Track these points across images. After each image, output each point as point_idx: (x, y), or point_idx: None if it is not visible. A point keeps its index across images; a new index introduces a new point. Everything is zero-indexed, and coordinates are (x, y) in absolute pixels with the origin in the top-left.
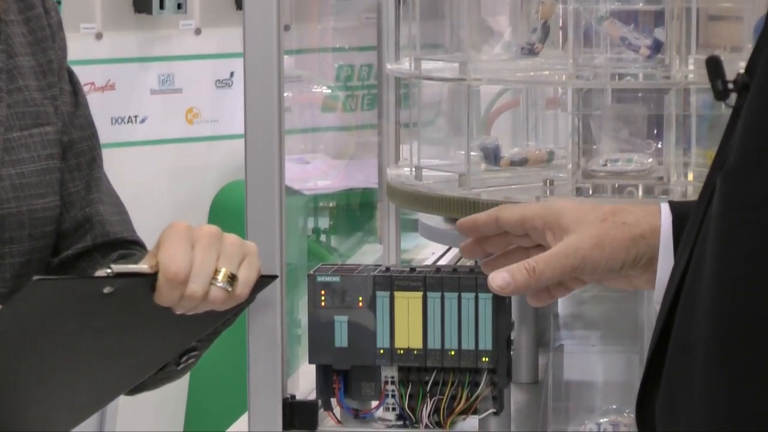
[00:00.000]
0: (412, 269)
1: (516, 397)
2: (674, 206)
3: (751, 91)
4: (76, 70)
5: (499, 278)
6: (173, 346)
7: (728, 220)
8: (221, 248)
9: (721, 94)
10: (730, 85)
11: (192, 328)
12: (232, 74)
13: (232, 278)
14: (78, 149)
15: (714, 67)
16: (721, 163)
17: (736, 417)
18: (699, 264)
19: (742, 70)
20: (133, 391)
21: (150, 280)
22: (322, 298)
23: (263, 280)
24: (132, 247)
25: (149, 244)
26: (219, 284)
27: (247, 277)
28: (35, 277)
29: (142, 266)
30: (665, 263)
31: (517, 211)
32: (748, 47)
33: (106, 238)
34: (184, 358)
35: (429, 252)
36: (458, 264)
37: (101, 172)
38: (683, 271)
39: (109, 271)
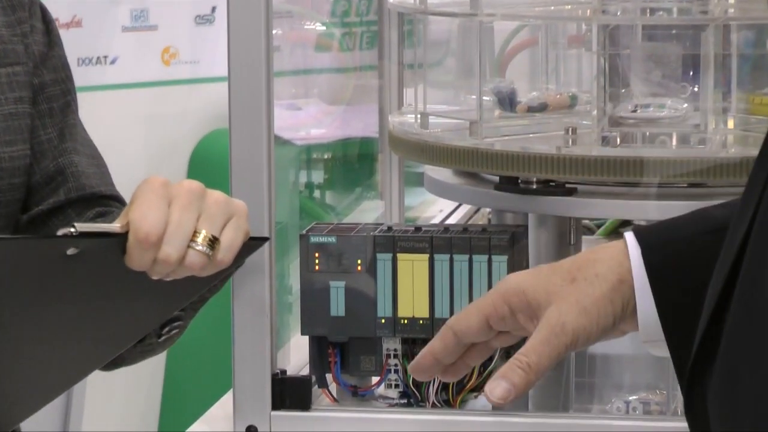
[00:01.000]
0: (418, 228)
1: None
2: (639, 234)
3: None
4: None
5: (499, 390)
6: (152, 316)
7: None
8: (203, 207)
9: None
10: None
11: (172, 296)
12: (213, 9)
13: (213, 241)
14: (50, 93)
15: None
16: None
17: None
18: (764, 238)
19: None
20: (110, 366)
21: (121, 240)
22: (316, 261)
23: (252, 243)
24: (111, 203)
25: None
26: (198, 248)
27: (231, 240)
28: None
29: (112, 225)
30: (645, 301)
31: (473, 317)
32: None
33: (82, 192)
34: (166, 329)
35: (436, 209)
36: (469, 223)
37: (76, 119)
38: (745, 234)
39: (72, 230)
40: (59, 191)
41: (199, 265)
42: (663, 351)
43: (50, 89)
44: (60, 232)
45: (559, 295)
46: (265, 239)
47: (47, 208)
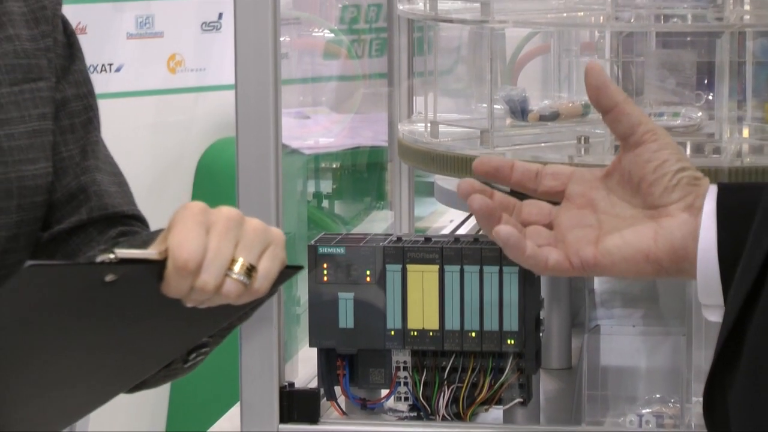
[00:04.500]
0: (428, 239)
1: (546, 385)
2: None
3: None
4: None
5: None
6: (182, 342)
7: None
8: (241, 234)
9: None
10: None
11: (203, 323)
12: (220, 16)
13: (250, 270)
14: (72, 108)
15: None
16: None
17: None
18: None
19: None
20: (132, 388)
21: (158, 267)
22: (325, 272)
23: (286, 272)
24: (133, 222)
25: None
26: (235, 276)
27: (268, 270)
28: (29, 262)
29: (150, 252)
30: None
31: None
32: None
33: (104, 211)
34: (193, 356)
35: (446, 219)
36: (480, 233)
37: (98, 136)
38: None
39: (112, 256)
40: (81, 210)
41: (235, 294)
42: (717, 316)
43: (72, 105)
44: (99, 259)
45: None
46: (299, 268)
47: (69, 227)
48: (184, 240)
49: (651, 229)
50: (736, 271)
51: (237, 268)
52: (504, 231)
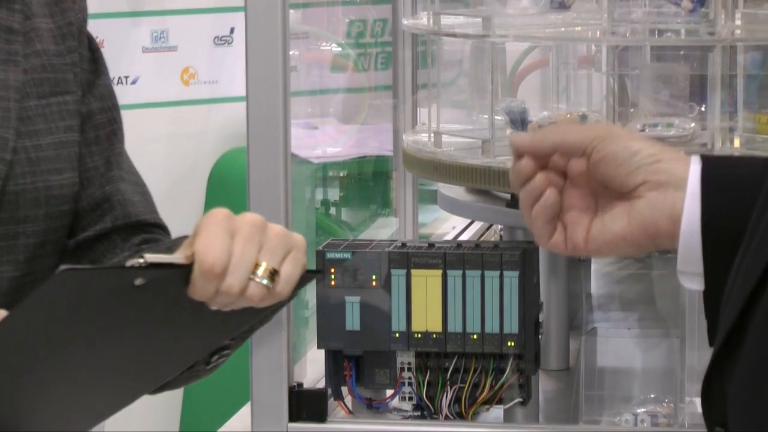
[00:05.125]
0: (431, 245)
1: (545, 385)
2: (703, 158)
3: None
4: None
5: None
6: (205, 344)
7: None
8: (264, 240)
9: None
10: None
11: (227, 325)
12: (232, 30)
13: (273, 274)
14: (97, 121)
15: None
16: None
17: None
18: None
19: None
20: (156, 389)
21: (184, 272)
22: (332, 276)
23: (307, 276)
24: (155, 230)
25: None
26: (258, 280)
27: (290, 274)
28: (63, 267)
29: (177, 256)
30: (692, 204)
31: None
32: None
33: (128, 219)
34: (215, 357)
35: (449, 226)
36: (481, 239)
37: (122, 148)
38: None
39: (141, 261)
40: (106, 218)
41: (259, 297)
42: (694, 284)
43: (97, 117)
44: (129, 263)
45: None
46: (318, 272)
47: (94, 234)
48: (210, 245)
49: (624, 212)
50: (718, 240)
51: (260, 272)
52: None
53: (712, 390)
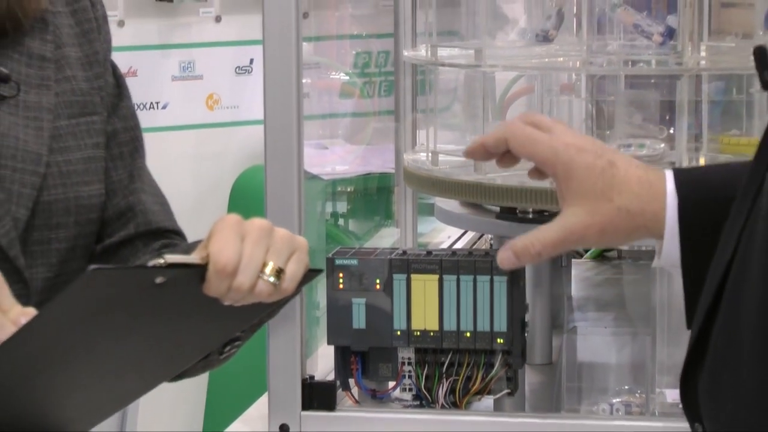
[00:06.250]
0: (429, 252)
1: (530, 378)
2: (681, 187)
3: None
4: None
5: (506, 262)
6: (218, 336)
7: None
8: (271, 242)
9: (767, 84)
10: None
11: (238, 319)
12: (251, 61)
13: (279, 272)
14: (121, 139)
15: (762, 57)
16: None
17: None
18: (747, 254)
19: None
20: (174, 378)
21: (200, 271)
22: (341, 280)
23: (309, 274)
24: (173, 236)
25: None
26: (266, 278)
27: (294, 272)
28: (92, 267)
29: (194, 257)
30: (671, 247)
31: (528, 149)
32: (760, 34)
33: (149, 227)
34: (228, 348)
35: (445, 236)
36: (474, 247)
37: (143, 163)
38: (730, 257)
39: (162, 261)
40: (129, 225)
41: (267, 293)
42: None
43: (121, 136)
44: (151, 263)
45: (590, 209)
46: (319, 271)
47: (119, 240)
48: (223, 247)
49: (572, 213)
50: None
51: (268, 270)
52: (506, 264)
53: (689, 388)
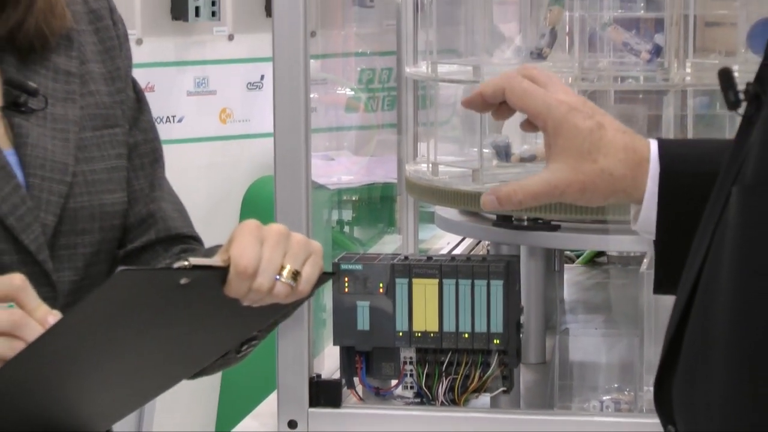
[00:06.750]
0: (429, 258)
1: (525, 376)
2: (664, 156)
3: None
4: None
5: (489, 205)
6: (237, 335)
7: (748, 234)
8: (288, 246)
9: (732, 104)
10: (741, 95)
11: (255, 319)
12: (262, 77)
13: (296, 275)
14: (142, 150)
15: (726, 78)
16: (735, 174)
17: (756, 411)
18: (715, 268)
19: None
20: (193, 375)
21: (221, 273)
22: (346, 284)
23: (323, 277)
24: (191, 241)
25: None
26: (283, 280)
27: (309, 275)
28: (121, 268)
29: (216, 260)
30: (648, 213)
31: (523, 101)
32: (742, 51)
33: (168, 232)
34: (245, 347)
35: (444, 242)
36: (471, 253)
37: (163, 173)
38: (701, 265)
39: (186, 263)
40: (150, 231)
41: (284, 294)
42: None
43: (141, 148)
44: (176, 265)
45: (573, 165)
46: (332, 273)
47: (140, 245)
48: (243, 251)
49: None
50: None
51: (285, 273)
52: (488, 205)
53: (662, 390)
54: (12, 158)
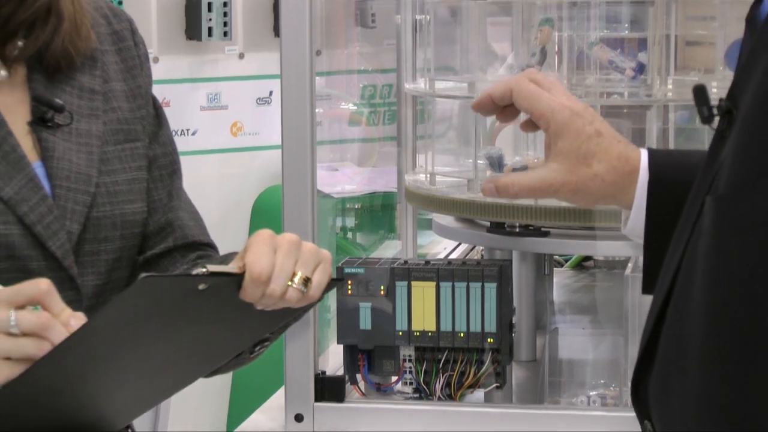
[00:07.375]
0: (427, 262)
1: (517, 373)
2: (653, 166)
3: (738, 119)
4: None
5: (488, 192)
6: (250, 337)
7: (720, 242)
8: (299, 254)
9: (706, 119)
10: (714, 111)
11: (268, 322)
12: (270, 93)
13: (306, 281)
14: (160, 163)
15: (700, 94)
16: (709, 184)
17: (731, 410)
18: (689, 273)
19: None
20: (208, 374)
21: (237, 279)
22: (349, 287)
23: (332, 283)
24: (207, 249)
25: None
26: (295, 286)
27: (319, 281)
28: (144, 274)
29: (232, 267)
30: (637, 219)
31: (529, 103)
32: (720, 69)
33: (185, 240)
34: (258, 347)
35: (441, 247)
36: (467, 258)
37: (180, 183)
38: (676, 268)
39: (204, 270)
40: (168, 239)
41: (295, 299)
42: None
43: (160, 160)
44: (195, 272)
45: (569, 164)
46: (340, 280)
47: (159, 252)
48: (258, 258)
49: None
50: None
51: (297, 279)
52: (487, 193)
53: (639, 388)
54: (40, 170)
